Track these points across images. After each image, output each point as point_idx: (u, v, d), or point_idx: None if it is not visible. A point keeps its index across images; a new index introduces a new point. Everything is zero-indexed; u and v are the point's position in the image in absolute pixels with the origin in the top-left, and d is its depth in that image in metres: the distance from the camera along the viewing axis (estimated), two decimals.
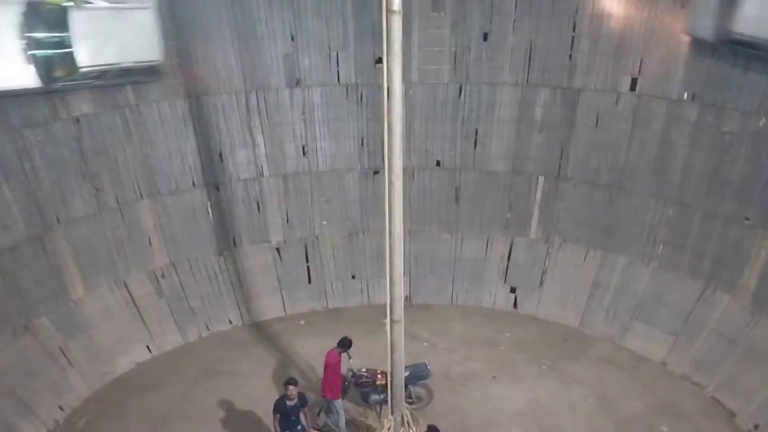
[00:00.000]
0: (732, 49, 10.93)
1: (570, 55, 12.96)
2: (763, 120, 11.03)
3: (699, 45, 11.51)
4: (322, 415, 10.79)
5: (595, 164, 13.36)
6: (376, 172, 14.28)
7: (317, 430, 10.72)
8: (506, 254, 14.58)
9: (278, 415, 9.42)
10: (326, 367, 10.28)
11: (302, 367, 12.57)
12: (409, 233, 14.29)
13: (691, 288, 12.45)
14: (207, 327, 13.76)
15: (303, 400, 9.56)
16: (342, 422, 10.55)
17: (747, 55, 10.89)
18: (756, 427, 10.84)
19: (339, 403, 10.51)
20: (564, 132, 13.49)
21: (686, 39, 11.68)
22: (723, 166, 11.71)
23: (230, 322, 14.03)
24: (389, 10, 7.39)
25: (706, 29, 10.97)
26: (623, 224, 13.30)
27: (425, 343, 13.24)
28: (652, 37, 12.03)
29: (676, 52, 11.81)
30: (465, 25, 13.40)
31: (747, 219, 11.54)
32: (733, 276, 11.86)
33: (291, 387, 9.33)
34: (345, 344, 10.44)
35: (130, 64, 11.27)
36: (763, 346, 11.21)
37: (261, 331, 13.88)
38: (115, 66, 11.05)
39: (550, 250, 14.22)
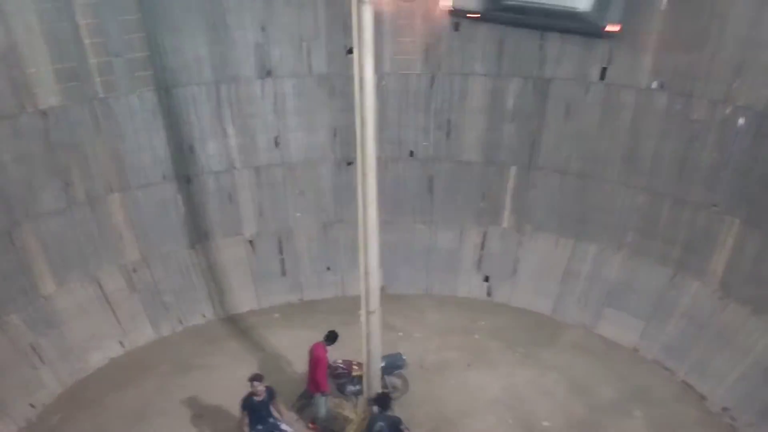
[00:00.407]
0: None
1: (540, 45, 13.03)
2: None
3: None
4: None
5: (565, 153, 13.48)
6: (349, 163, 14.24)
7: (313, 426, 10.72)
8: (480, 244, 14.66)
9: (245, 412, 9.36)
10: (316, 361, 10.20)
11: (277, 360, 12.54)
12: (384, 224, 14.27)
13: (661, 274, 12.65)
14: (180, 321, 13.65)
15: (270, 394, 9.53)
16: (322, 414, 10.57)
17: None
18: (725, 409, 11.08)
19: (326, 397, 10.51)
20: (535, 122, 13.57)
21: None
22: (691, 153, 11.90)
23: (204, 316, 13.93)
24: (360, 0, 7.37)
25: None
26: (594, 212, 13.45)
27: (400, 333, 13.28)
28: (622, 26, 12.13)
29: (645, 40, 11.94)
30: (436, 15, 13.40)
31: (715, 206, 11.75)
32: (702, 262, 12.07)
33: (256, 383, 9.28)
34: (332, 338, 10.39)
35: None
36: (732, 330, 11.45)
37: (235, 324, 13.81)
38: None
39: (522, 238, 14.33)
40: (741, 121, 11.11)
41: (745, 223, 11.35)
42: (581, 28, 11.79)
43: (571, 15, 11.35)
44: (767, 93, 10.71)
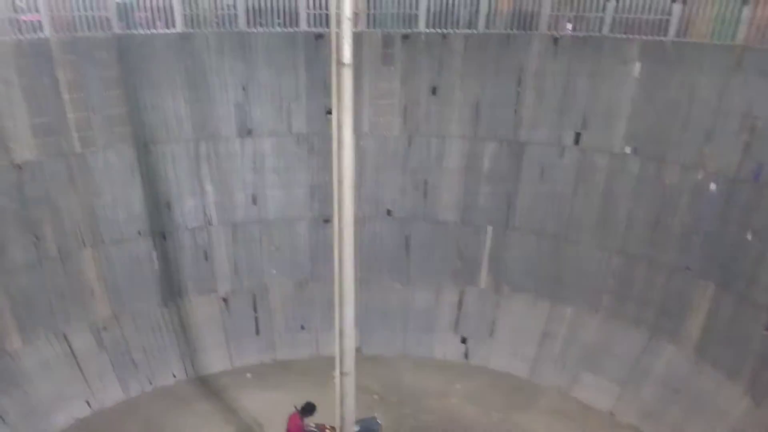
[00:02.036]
0: None
1: (515, 110, 13.30)
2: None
3: None
4: None
5: (541, 215, 13.61)
6: (326, 221, 14.23)
7: None
8: (456, 304, 14.60)
9: None
10: None
11: (248, 422, 12.21)
12: (360, 282, 14.17)
13: (637, 337, 12.65)
14: (150, 381, 13.28)
15: None
16: None
17: None
18: None
19: None
20: (511, 183, 13.74)
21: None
22: (664, 217, 12.07)
23: (174, 376, 13.58)
24: (340, 63, 7.48)
25: None
26: (570, 274, 13.51)
27: (376, 396, 13.05)
28: (595, 93, 12.46)
29: (618, 106, 12.24)
30: (414, 79, 13.66)
31: (689, 269, 11.86)
32: (676, 325, 12.11)
33: None
34: (309, 409, 10.04)
35: None
36: (707, 394, 11.40)
37: (206, 385, 13.47)
38: None
39: (499, 299, 14.30)
40: (712, 186, 11.33)
41: (719, 287, 11.44)
42: None
43: None
44: (737, 159, 10.97)
